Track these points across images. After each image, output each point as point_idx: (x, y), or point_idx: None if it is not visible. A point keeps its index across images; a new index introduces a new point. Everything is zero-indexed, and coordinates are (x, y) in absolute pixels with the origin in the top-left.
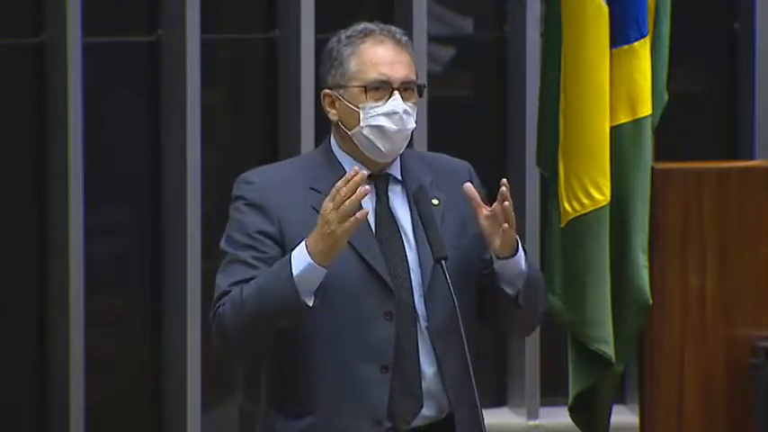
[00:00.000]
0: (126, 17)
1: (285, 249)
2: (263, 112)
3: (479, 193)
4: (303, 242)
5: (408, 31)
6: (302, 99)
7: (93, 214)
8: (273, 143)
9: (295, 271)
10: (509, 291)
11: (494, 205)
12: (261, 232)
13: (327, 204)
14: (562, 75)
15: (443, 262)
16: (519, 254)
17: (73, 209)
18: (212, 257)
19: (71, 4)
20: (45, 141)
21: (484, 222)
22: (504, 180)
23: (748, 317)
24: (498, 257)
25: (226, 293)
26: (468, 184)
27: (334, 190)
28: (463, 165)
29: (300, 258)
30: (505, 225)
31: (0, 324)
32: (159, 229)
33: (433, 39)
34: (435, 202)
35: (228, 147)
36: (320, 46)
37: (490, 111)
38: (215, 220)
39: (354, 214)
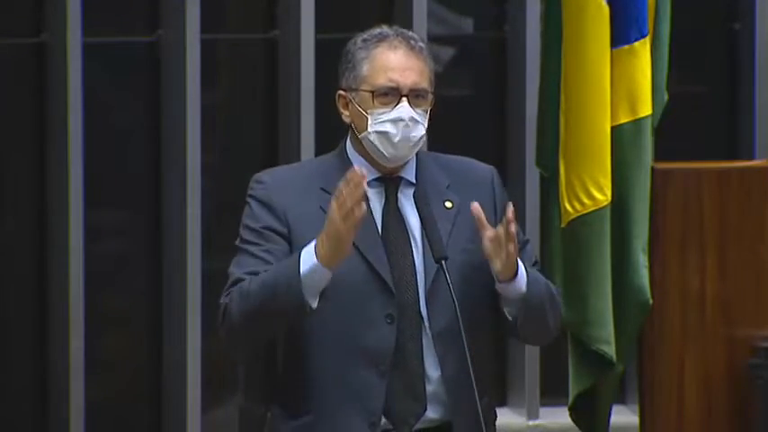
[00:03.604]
0: (126, 17)
1: (293, 248)
2: (263, 112)
3: (502, 196)
4: (312, 242)
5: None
6: (302, 99)
7: (93, 214)
8: (273, 143)
9: (302, 269)
10: (509, 314)
11: (498, 228)
12: (269, 228)
13: (333, 204)
14: (562, 75)
15: (444, 262)
16: (519, 276)
17: (73, 209)
18: (212, 257)
19: (71, 4)
20: (45, 141)
21: (487, 244)
22: (510, 203)
23: (748, 317)
24: (500, 280)
25: (237, 282)
26: (476, 205)
27: (337, 191)
28: (486, 170)
29: (308, 258)
30: (510, 247)
31: (0, 324)
32: (159, 229)
33: (433, 39)
34: (449, 204)
35: (228, 147)
36: (320, 46)
37: (490, 111)
38: (215, 220)
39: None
